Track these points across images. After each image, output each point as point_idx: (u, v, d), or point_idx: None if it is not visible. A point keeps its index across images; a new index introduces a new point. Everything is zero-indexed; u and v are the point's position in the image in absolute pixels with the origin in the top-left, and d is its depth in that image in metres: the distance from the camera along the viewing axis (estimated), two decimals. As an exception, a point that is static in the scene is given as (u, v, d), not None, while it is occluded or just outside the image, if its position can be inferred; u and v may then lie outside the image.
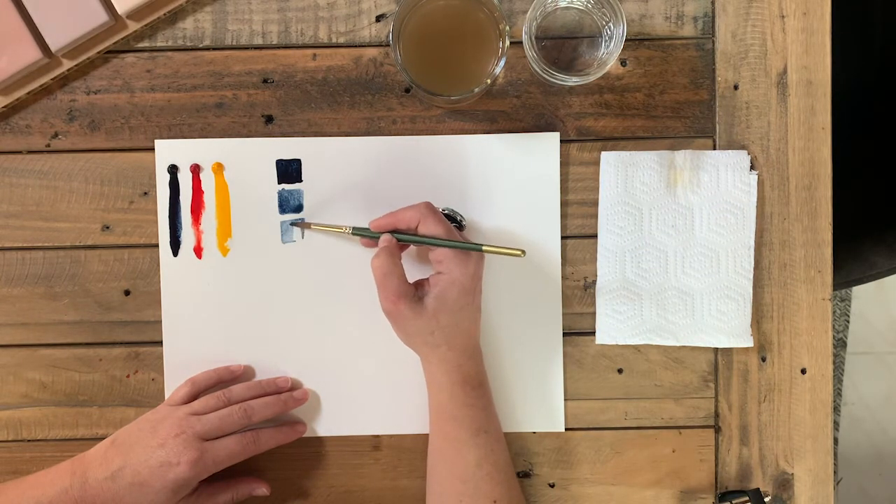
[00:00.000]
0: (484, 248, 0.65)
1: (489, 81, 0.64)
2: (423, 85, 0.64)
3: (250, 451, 0.67)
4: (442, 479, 0.67)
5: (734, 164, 0.71)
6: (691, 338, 0.71)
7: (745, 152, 0.71)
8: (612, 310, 0.71)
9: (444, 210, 0.70)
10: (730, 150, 0.71)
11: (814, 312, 0.72)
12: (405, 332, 0.67)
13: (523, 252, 0.64)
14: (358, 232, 0.69)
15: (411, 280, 0.66)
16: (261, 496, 0.70)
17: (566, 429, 0.72)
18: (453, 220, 0.70)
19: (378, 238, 0.67)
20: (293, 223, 0.71)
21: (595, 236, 0.72)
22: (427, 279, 0.67)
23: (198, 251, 0.71)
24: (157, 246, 0.71)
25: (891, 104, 0.91)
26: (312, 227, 0.70)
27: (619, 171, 0.71)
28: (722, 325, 0.71)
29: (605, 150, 0.71)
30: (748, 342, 0.71)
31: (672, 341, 0.71)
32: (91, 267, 0.71)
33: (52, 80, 0.70)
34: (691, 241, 0.71)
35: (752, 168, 0.71)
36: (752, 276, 0.71)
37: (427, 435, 0.71)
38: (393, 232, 0.67)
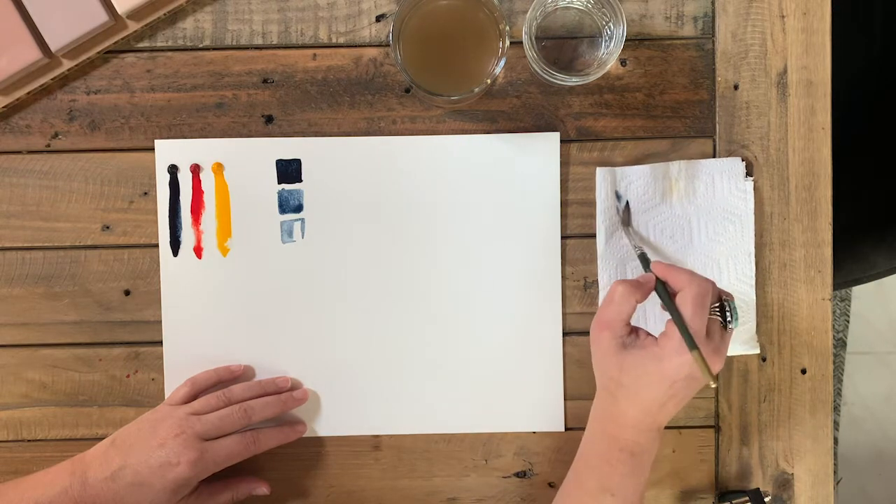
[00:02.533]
0: (693, 353, 0.58)
1: (489, 81, 0.64)
2: (423, 85, 0.64)
3: (250, 451, 0.67)
4: None
5: (729, 172, 0.71)
6: None
7: (738, 159, 0.71)
8: None
9: (722, 300, 0.62)
10: (724, 158, 0.71)
11: (814, 312, 0.72)
12: (594, 359, 0.64)
13: (716, 384, 0.59)
14: (642, 259, 0.66)
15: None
16: (261, 496, 0.70)
17: (566, 429, 0.72)
18: (723, 311, 0.62)
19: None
20: (626, 225, 0.71)
21: (595, 236, 0.72)
22: (650, 336, 0.62)
23: (198, 251, 0.71)
24: (157, 246, 0.71)
25: (891, 104, 0.91)
26: (630, 230, 0.70)
27: (613, 185, 0.71)
28: None
29: (601, 157, 0.71)
30: (755, 349, 0.71)
31: None
32: (91, 267, 0.71)
33: (52, 80, 0.70)
34: (691, 250, 0.71)
35: (747, 174, 0.71)
36: (754, 283, 0.71)
37: (427, 435, 0.72)
38: (659, 280, 0.62)
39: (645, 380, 0.60)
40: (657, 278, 0.63)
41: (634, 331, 0.63)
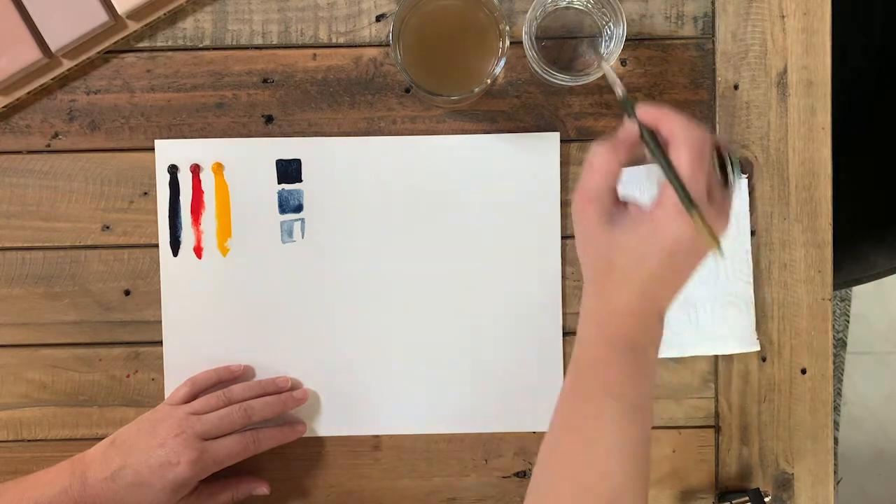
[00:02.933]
0: (693, 215, 0.50)
1: (489, 81, 0.64)
2: (423, 85, 0.64)
3: (250, 451, 0.67)
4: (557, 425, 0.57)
5: None
6: (697, 347, 0.71)
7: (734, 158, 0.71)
8: None
9: (720, 151, 0.54)
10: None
11: (814, 312, 0.72)
12: (579, 242, 0.56)
13: (720, 252, 0.52)
14: (626, 104, 0.56)
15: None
16: (261, 496, 0.70)
17: (566, 429, 0.72)
18: (723, 164, 0.54)
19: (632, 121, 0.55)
20: (590, 50, 0.60)
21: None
22: (638, 207, 0.55)
23: (198, 251, 0.71)
24: (157, 246, 0.71)
25: (891, 104, 0.91)
26: (603, 64, 0.59)
27: None
28: (727, 332, 0.71)
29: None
30: (755, 346, 0.71)
31: (679, 353, 0.71)
32: (91, 267, 0.71)
33: (52, 80, 0.70)
34: None
35: (742, 172, 0.71)
36: (752, 280, 0.71)
37: (427, 435, 0.72)
38: (644, 130, 0.53)
39: (640, 256, 0.52)
40: (642, 128, 0.53)
41: (622, 203, 0.55)
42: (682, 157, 0.51)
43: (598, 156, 0.54)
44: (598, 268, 0.55)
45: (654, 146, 0.53)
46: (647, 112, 0.54)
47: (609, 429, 0.53)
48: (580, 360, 0.56)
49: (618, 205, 0.55)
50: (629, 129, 0.54)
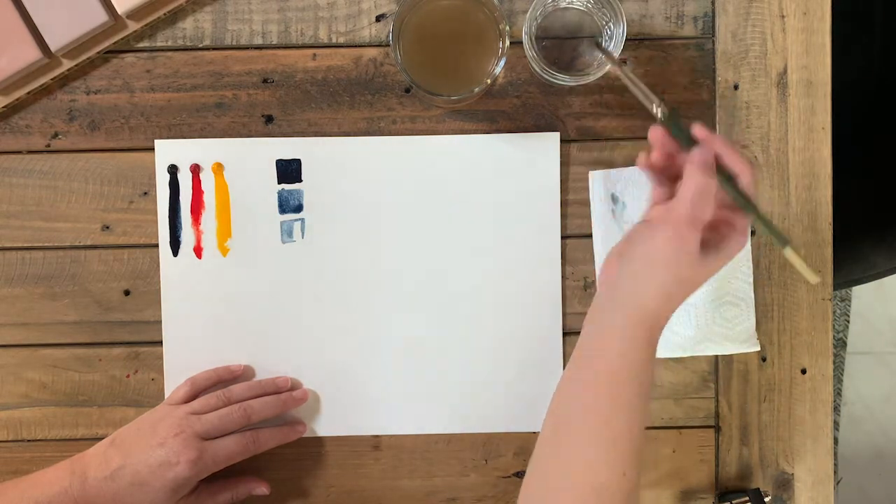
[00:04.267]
0: (788, 250, 0.54)
1: (489, 81, 0.64)
2: (423, 85, 0.64)
3: (250, 451, 0.67)
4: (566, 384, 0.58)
5: None
6: (698, 348, 0.71)
7: None
8: None
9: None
10: None
11: (814, 312, 0.72)
12: (678, 269, 0.55)
13: (819, 277, 0.55)
14: (672, 121, 0.56)
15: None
16: (261, 496, 0.70)
17: (566, 429, 0.72)
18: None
19: (689, 146, 0.55)
20: (602, 49, 0.60)
21: (595, 236, 0.72)
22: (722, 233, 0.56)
23: (198, 251, 0.71)
24: (157, 246, 0.71)
25: (891, 104, 0.91)
26: (622, 74, 0.59)
27: (608, 189, 0.71)
28: (728, 332, 0.71)
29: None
30: (755, 346, 0.71)
31: (679, 353, 0.71)
32: (91, 267, 0.71)
33: (52, 80, 0.70)
34: None
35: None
36: (752, 281, 0.71)
37: (427, 435, 0.72)
38: (721, 171, 0.54)
39: (708, 274, 0.55)
40: (720, 171, 0.54)
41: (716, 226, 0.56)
42: (751, 190, 0.53)
43: (704, 183, 0.53)
44: (683, 289, 0.55)
45: (727, 181, 0.54)
46: (705, 132, 0.54)
47: (632, 423, 0.54)
48: (592, 339, 0.56)
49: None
50: (703, 153, 0.54)
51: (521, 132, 0.71)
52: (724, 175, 0.54)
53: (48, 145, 0.71)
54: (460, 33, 0.66)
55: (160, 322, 0.71)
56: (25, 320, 0.71)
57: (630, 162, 0.71)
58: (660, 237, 0.54)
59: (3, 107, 0.70)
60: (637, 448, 0.54)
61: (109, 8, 0.68)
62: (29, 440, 0.72)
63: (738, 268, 0.71)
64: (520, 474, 0.72)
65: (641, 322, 0.55)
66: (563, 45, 0.71)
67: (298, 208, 0.71)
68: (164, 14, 0.70)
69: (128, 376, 0.72)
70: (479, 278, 0.72)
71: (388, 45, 0.71)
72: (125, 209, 0.71)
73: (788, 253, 0.53)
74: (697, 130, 0.55)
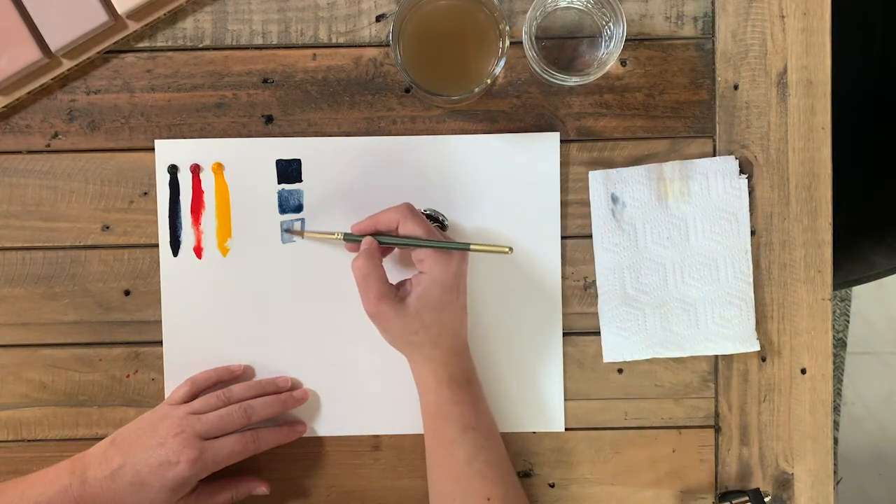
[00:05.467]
0: (472, 246, 0.65)
1: (489, 81, 0.64)
2: (423, 85, 0.64)
3: (250, 451, 0.67)
4: (436, 479, 0.66)
5: (723, 171, 0.71)
6: (698, 347, 0.71)
7: (732, 157, 0.71)
8: (616, 327, 0.71)
9: (425, 210, 0.70)
10: (717, 157, 0.71)
11: (814, 312, 0.72)
12: (389, 333, 0.66)
13: (510, 249, 0.64)
14: (349, 238, 0.68)
15: (395, 282, 0.66)
16: (261, 496, 0.70)
17: (566, 429, 0.72)
18: (435, 220, 0.70)
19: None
20: (287, 230, 0.71)
21: (595, 236, 0.72)
22: (409, 280, 0.66)
23: (198, 251, 0.71)
24: (157, 246, 0.71)
25: (891, 104, 0.91)
26: (305, 235, 0.70)
27: (608, 189, 0.71)
28: (727, 331, 0.71)
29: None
30: (755, 346, 0.71)
31: (679, 353, 0.71)
32: (91, 267, 0.71)
33: (52, 80, 0.70)
34: (688, 251, 0.71)
35: (741, 172, 0.71)
36: (751, 280, 0.71)
37: (427, 435, 0.72)
38: (374, 234, 0.66)
39: (436, 303, 0.64)
40: (376, 237, 0.66)
41: (400, 284, 0.66)
42: (410, 228, 0.64)
43: (360, 269, 0.64)
44: (413, 338, 0.65)
45: (391, 239, 0.66)
46: (360, 225, 0.67)
47: (481, 458, 0.65)
48: (433, 414, 0.66)
49: (393, 287, 0.65)
50: (365, 242, 0.66)
51: (520, 132, 0.71)
52: (390, 237, 0.66)
53: (48, 145, 0.71)
54: (460, 33, 0.66)
55: (160, 322, 0.71)
56: (25, 320, 0.71)
57: (630, 162, 0.71)
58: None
59: (3, 107, 0.70)
60: (493, 467, 0.66)
61: (109, 8, 0.68)
62: (29, 440, 0.72)
63: (739, 268, 0.71)
64: (520, 474, 0.72)
65: (433, 371, 0.66)
66: (563, 45, 0.71)
67: (298, 208, 0.71)
68: (164, 14, 0.70)
69: (128, 376, 0.72)
70: (479, 278, 0.71)
71: (388, 45, 0.71)
72: (125, 209, 0.71)
73: (473, 248, 0.65)
74: (353, 227, 0.67)
